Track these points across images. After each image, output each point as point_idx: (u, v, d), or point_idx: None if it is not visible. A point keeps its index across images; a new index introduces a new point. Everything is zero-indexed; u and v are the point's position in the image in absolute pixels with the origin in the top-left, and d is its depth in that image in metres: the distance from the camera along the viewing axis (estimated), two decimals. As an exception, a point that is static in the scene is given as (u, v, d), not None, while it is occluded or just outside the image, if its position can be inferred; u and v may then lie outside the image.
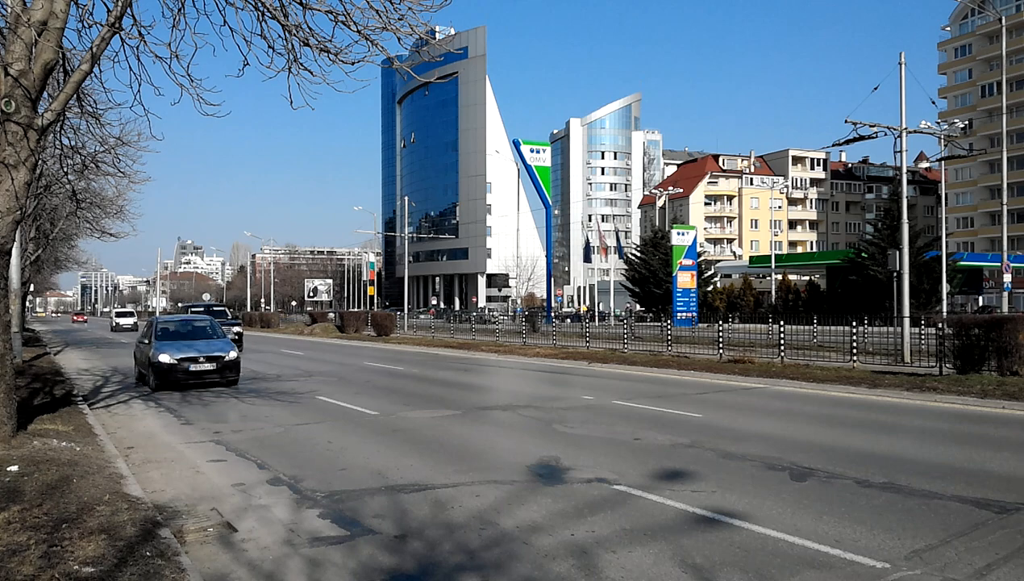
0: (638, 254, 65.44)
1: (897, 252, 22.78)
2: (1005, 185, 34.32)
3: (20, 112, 8.25)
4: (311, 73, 9.40)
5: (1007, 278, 33.25)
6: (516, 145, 71.03)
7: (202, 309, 34.85)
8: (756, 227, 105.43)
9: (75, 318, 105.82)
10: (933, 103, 41.61)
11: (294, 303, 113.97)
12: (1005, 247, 33.12)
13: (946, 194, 70.87)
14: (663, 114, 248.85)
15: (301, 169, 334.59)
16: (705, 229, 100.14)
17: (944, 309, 35.94)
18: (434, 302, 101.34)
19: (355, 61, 9.19)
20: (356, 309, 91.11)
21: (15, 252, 16.72)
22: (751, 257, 78.82)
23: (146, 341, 17.98)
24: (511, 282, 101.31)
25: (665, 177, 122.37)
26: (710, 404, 13.91)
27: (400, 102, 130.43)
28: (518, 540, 5.93)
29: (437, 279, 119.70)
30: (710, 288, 64.93)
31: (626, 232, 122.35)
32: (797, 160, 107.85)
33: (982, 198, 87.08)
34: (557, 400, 14.64)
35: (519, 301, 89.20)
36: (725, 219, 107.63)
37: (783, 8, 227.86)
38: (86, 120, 13.46)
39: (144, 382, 17.60)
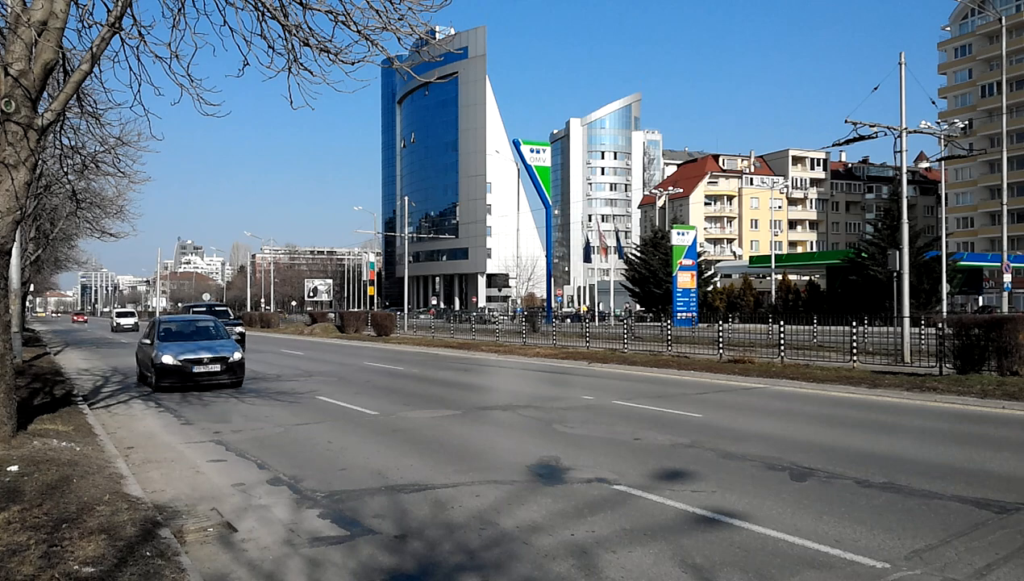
0: (638, 254, 65.45)
1: (897, 252, 22.78)
2: (1005, 185, 34.33)
3: (20, 112, 8.25)
4: (311, 73, 9.40)
5: (1007, 278, 33.25)
6: (516, 145, 71.06)
7: (204, 309, 34.60)
8: (756, 227, 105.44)
9: (75, 318, 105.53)
10: (933, 103, 41.65)
11: (294, 303, 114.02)
12: (1005, 247, 33.12)
13: (946, 194, 70.87)
14: (663, 114, 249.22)
15: (301, 169, 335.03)
16: (705, 229, 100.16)
17: (944, 309, 35.95)
18: (434, 302, 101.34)
19: (355, 61, 9.19)
20: (356, 309, 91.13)
21: (15, 252, 16.72)
22: (751, 257, 78.83)
23: (148, 341, 17.66)
24: (511, 282, 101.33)
25: (665, 177, 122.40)
26: (710, 404, 13.91)
27: (400, 102, 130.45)
28: (518, 540, 5.93)
29: (437, 279, 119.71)
30: (710, 288, 64.94)
31: (626, 232, 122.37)
32: (797, 160, 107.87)
33: (982, 198, 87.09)
34: (557, 400, 14.64)
35: (519, 301, 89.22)
36: (725, 219, 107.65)
37: (783, 8, 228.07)
38: (86, 120, 13.47)
39: (146, 383, 17.34)
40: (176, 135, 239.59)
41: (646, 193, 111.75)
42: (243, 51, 9.12)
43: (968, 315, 30.77)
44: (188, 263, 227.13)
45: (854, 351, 19.16)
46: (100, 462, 8.37)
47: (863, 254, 53.66)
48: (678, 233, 48.85)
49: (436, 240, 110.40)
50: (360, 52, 9.16)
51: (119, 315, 65.22)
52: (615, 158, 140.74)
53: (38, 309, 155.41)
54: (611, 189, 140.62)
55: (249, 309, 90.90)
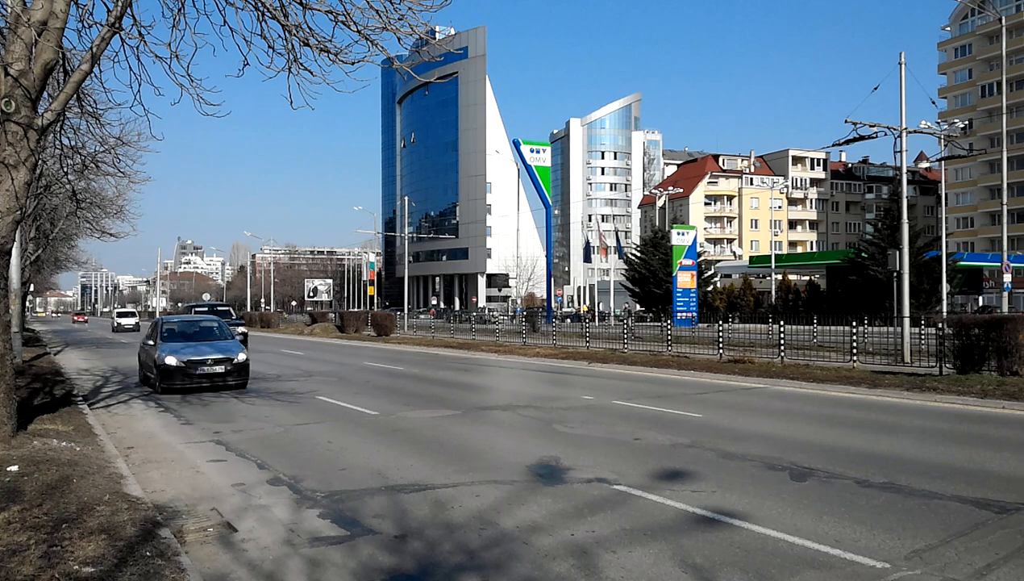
0: (638, 254, 65.46)
1: (897, 252, 22.78)
2: (1005, 185, 34.33)
3: (20, 112, 8.25)
4: (311, 73, 9.40)
5: (1007, 278, 33.25)
6: (516, 145, 71.11)
7: (206, 309, 34.42)
8: (756, 227, 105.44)
9: (75, 318, 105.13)
10: (933, 103, 41.67)
11: (294, 303, 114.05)
12: (1005, 247, 33.12)
13: (946, 194, 70.87)
14: (663, 114, 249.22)
15: (301, 169, 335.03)
16: (705, 229, 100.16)
17: (944, 309, 35.95)
18: (434, 302, 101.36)
19: (355, 61, 9.19)
20: (356, 309, 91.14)
21: (15, 252, 16.71)
22: (751, 257, 78.83)
23: (151, 342, 17.35)
24: (511, 282, 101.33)
25: (665, 177, 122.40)
26: (710, 404, 13.91)
27: (400, 102, 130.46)
28: (518, 540, 5.93)
29: (437, 279, 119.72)
30: (710, 288, 64.95)
31: (626, 232, 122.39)
32: (797, 160, 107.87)
33: (982, 198, 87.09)
34: (557, 400, 14.64)
35: (519, 301, 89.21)
36: (725, 219, 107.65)
37: (783, 8, 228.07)
38: (86, 120, 13.46)
39: (149, 384, 17.04)
40: (176, 135, 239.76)
41: (646, 193, 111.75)
42: (243, 51, 9.13)
43: (968, 315, 30.77)
44: (188, 263, 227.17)
45: (854, 351, 19.16)
46: (100, 462, 8.37)
47: (863, 254, 53.67)
48: (678, 233, 48.86)
49: (436, 240, 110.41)
50: (360, 52, 9.17)
51: (120, 315, 64.70)
52: (615, 158, 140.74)
53: (38, 309, 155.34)
54: (611, 189, 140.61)
55: (249, 309, 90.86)
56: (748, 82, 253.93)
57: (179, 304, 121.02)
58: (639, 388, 16.60)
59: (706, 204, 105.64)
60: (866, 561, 5.35)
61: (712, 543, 5.79)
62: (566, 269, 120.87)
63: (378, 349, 33.02)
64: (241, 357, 16.64)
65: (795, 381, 16.88)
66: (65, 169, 17.41)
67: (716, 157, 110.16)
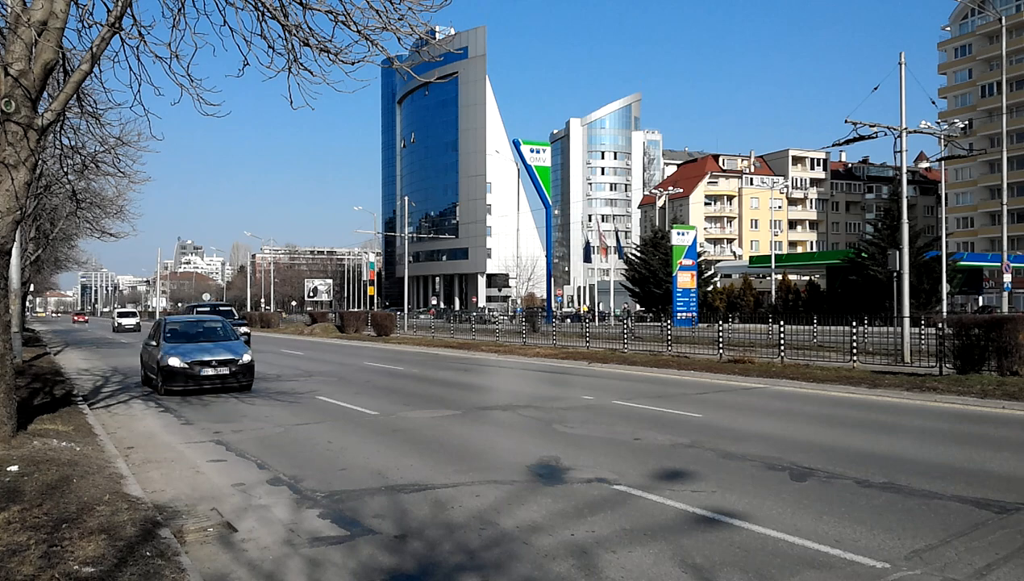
0: (638, 254, 65.47)
1: (897, 252, 22.78)
2: (1005, 185, 34.33)
3: (20, 112, 8.25)
4: (311, 73, 9.40)
5: (1007, 278, 33.25)
6: (516, 145, 71.07)
7: (207, 309, 34.18)
8: (756, 227, 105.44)
9: (76, 318, 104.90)
10: (933, 103, 41.69)
11: (294, 303, 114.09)
12: (1005, 247, 33.13)
13: (946, 194, 70.87)
14: (663, 114, 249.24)
15: (301, 169, 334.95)
16: (705, 229, 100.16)
17: (944, 309, 35.95)
18: (434, 302, 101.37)
19: (355, 61, 9.19)
20: (356, 309, 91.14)
21: (15, 252, 16.71)
22: (751, 257, 78.83)
23: (154, 343, 17.03)
24: (511, 282, 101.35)
25: (665, 177, 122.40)
26: (710, 404, 13.91)
27: (400, 102, 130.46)
28: (518, 540, 5.93)
29: (437, 279, 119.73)
30: (710, 288, 64.95)
31: (626, 232, 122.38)
32: (797, 160, 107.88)
33: (982, 198, 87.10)
34: (557, 400, 14.64)
35: (519, 301, 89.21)
36: (725, 219, 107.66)
37: (783, 8, 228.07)
38: (86, 120, 13.47)
39: (151, 386, 16.77)
40: (176, 135, 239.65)
41: (646, 193, 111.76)
42: (243, 51, 9.13)
43: (968, 315, 30.78)
44: (188, 263, 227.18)
45: (854, 351, 19.16)
46: (100, 462, 8.37)
47: (863, 254, 53.67)
48: (678, 233, 48.87)
49: (436, 240, 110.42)
50: (360, 52, 9.17)
51: (121, 315, 64.20)
52: (615, 158, 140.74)
53: (38, 309, 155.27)
54: (611, 189, 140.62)
55: (249, 309, 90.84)
56: (748, 82, 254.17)
57: (179, 304, 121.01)
58: (639, 388, 16.60)
59: (706, 204, 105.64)
60: (866, 561, 5.35)
61: (712, 543, 5.79)
62: (566, 269, 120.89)
63: (378, 349, 33.02)
64: (246, 358, 16.27)
65: (795, 381, 16.88)
66: (65, 169, 17.41)
67: (716, 157, 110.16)
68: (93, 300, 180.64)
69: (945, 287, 36.75)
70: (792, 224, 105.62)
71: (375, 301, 67.33)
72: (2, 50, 8.70)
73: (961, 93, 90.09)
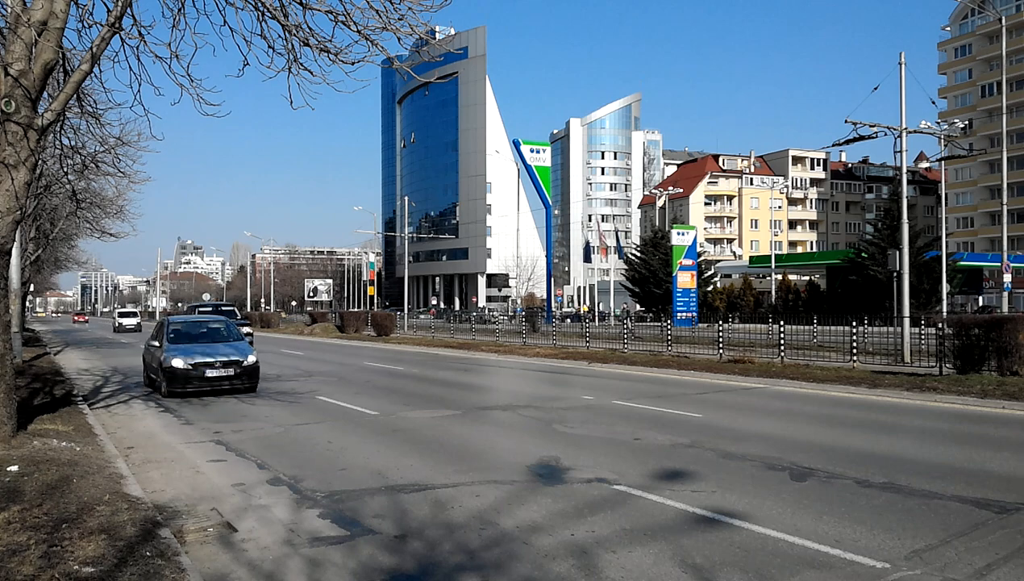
0: (638, 254, 65.46)
1: (897, 252, 22.78)
2: (1005, 185, 34.32)
3: (20, 112, 8.25)
4: (311, 73, 9.40)
5: (1007, 278, 33.25)
6: (516, 145, 71.05)
7: (209, 309, 33.91)
8: (756, 227, 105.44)
9: (76, 318, 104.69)
10: (933, 103, 41.68)
11: (294, 303, 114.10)
12: (1005, 247, 33.12)
13: (946, 194, 70.87)
14: (663, 114, 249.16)
15: (301, 169, 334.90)
16: (705, 229, 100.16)
17: (944, 309, 35.95)
18: (434, 302, 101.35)
19: (355, 61, 9.19)
20: (356, 309, 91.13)
21: (15, 252, 16.71)
22: (751, 257, 78.83)
23: (156, 343, 16.65)
24: (511, 282, 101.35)
25: (665, 177, 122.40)
26: (710, 404, 13.91)
27: (400, 102, 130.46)
28: (518, 540, 5.93)
29: (437, 279, 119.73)
30: (710, 288, 64.95)
31: (626, 232, 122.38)
32: (797, 160, 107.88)
33: (982, 198, 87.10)
34: (557, 400, 14.64)
35: (519, 301, 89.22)
36: (725, 219, 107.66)
37: (783, 8, 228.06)
38: (86, 120, 13.47)
39: (154, 387, 16.51)
40: (176, 135, 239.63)
41: (646, 193, 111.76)
42: (243, 51, 9.13)
43: (968, 315, 30.78)
44: (188, 263, 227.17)
45: (854, 351, 19.16)
46: (100, 462, 8.37)
47: (863, 254, 53.67)
48: (678, 233, 48.87)
49: (436, 240, 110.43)
50: (360, 52, 9.17)
51: (121, 315, 63.58)
52: (615, 158, 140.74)
53: (38, 309, 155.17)
54: (611, 189, 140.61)
55: (249, 309, 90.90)
56: (748, 82, 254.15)
57: (179, 304, 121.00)
58: (639, 388, 16.60)
59: (706, 204, 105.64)
60: (866, 561, 5.35)
61: (712, 543, 5.79)
62: (566, 269, 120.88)
63: (378, 349, 33.02)
64: (251, 359, 15.99)
65: (795, 381, 16.88)
66: (65, 169, 17.41)
67: (716, 157, 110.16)
68: (93, 300, 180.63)
69: (945, 287, 36.75)
70: (792, 224, 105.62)
71: (375, 301, 67.33)
72: (2, 50, 8.70)
73: (961, 93, 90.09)
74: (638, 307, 65.23)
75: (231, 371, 15.56)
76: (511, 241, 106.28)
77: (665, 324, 27.64)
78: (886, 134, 23.44)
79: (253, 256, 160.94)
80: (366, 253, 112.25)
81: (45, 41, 8.29)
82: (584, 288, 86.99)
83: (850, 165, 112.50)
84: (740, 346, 23.98)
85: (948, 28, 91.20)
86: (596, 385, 17.61)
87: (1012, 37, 78.65)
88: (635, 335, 28.56)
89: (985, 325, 15.97)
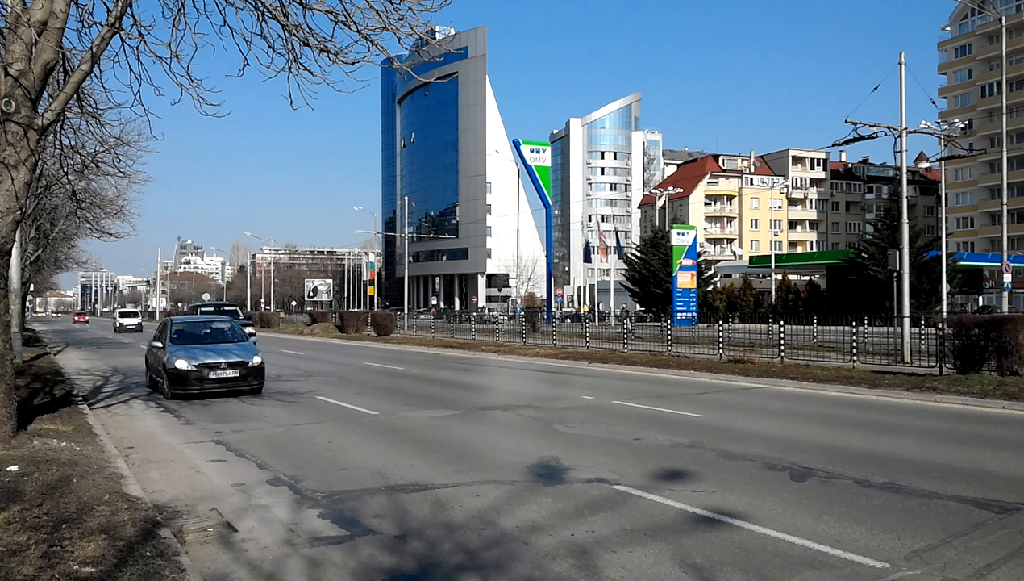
0: (638, 254, 65.45)
1: (897, 252, 22.78)
2: (1005, 185, 34.32)
3: (20, 112, 8.25)
4: (311, 73, 9.40)
5: (1007, 278, 33.24)
6: (516, 145, 71.02)
7: (212, 309, 33.73)
8: (756, 227, 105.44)
9: (76, 318, 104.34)
10: (933, 103, 41.66)
11: (294, 303, 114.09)
12: (1005, 247, 33.12)
13: (946, 194, 70.88)
14: (663, 114, 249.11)
15: (301, 169, 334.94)
16: (705, 229, 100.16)
17: (944, 309, 35.94)
18: (434, 302, 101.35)
19: (355, 61, 9.19)
20: (356, 309, 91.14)
21: (15, 252, 16.71)
22: (751, 257, 78.82)
23: (159, 344, 16.28)
24: (511, 282, 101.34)
25: (665, 177, 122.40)
26: (710, 404, 13.91)
27: (400, 102, 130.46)
28: (518, 540, 5.93)
29: (437, 279, 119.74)
30: (710, 288, 64.94)
31: (626, 232, 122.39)
32: (797, 160, 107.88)
33: (982, 198, 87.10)
34: (557, 400, 14.64)
35: (519, 301, 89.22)
36: (725, 219, 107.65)
37: (783, 8, 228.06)
38: (86, 120, 13.47)
39: (157, 389, 16.22)
40: (176, 135, 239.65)
41: (646, 193, 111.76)
42: (243, 51, 9.13)
43: (968, 315, 30.78)
44: (188, 263, 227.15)
45: (854, 351, 19.16)
46: (100, 462, 8.37)
47: (863, 254, 53.66)
48: (678, 233, 48.86)
49: (436, 240, 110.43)
50: (360, 52, 9.17)
51: (122, 315, 62.89)
52: (615, 158, 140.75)
53: (38, 309, 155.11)
54: (611, 189, 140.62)
55: (249, 309, 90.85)
56: (748, 82, 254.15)
57: (179, 304, 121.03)
58: (639, 388, 16.61)
59: (706, 204, 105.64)
60: (866, 561, 5.35)
61: (712, 543, 5.79)
62: (566, 269, 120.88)
63: (378, 349, 33.01)
64: (256, 360, 15.67)
65: (795, 381, 16.88)
66: (65, 169, 17.40)
67: (716, 157, 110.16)
68: (93, 300, 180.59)
69: (945, 287, 36.74)
70: (792, 224, 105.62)
71: (375, 301, 67.31)
72: (2, 50, 8.70)
73: (961, 93, 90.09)
74: (638, 307, 65.22)
75: (236, 372, 15.25)
76: (511, 241, 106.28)
77: (665, 324, 27.64)
78: (886, 134, 23.45)
79: (253, 256, 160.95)
80: (366, 253, 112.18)
81: (45, 41, 8.29)
82: (584, 288, 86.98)
83: (850, 165, 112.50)
84: (740, 346, 23.98)
85: (948, 28, 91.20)
86: (596, 385, 17.61)
87: (1012, 37, 78.65)
88: (635, 335, 28.56)
89: (985, 325, 15.97)
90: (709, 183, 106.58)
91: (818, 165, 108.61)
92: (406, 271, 64.96)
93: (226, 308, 34.78)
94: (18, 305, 21.44)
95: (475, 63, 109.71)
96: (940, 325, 18.16)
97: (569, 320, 58.78)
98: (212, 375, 15.00)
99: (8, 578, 4.74)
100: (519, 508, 6.82)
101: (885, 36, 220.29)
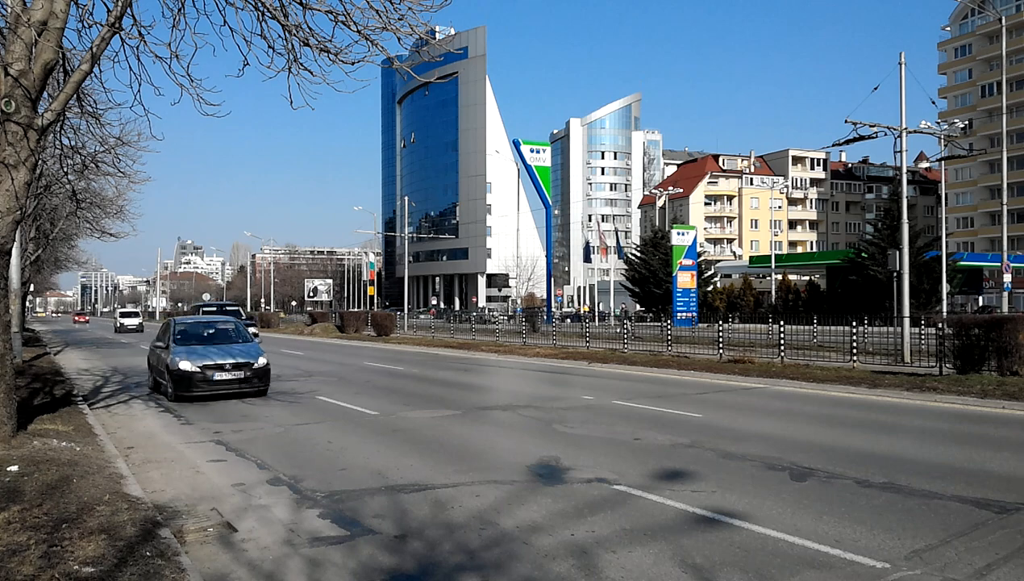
0: (638, 254, 65.46)
1: (897, 252, 22.78)
2: (1005, 185, 34.32)
3: (20, 112, 8.25)
4: (311, 73, 9.40)
5: (1007, 278, 33.24)
6: (516, 145, 71.02)
7: (214, 309, 33.55)
8: (756, 227, 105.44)
9: (77, 318, 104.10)
10: (933, 103, 41.67)
11: (294, 303, 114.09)
12: (1005, 247, 33.12)
13: (946, 194, 70.87)
14: (663, 114, 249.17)
15: (301, 169, 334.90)
16: (705, 229, 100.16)
17: (944, 309, 35.94)
18: (434, 302, 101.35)
19: (355, 61, 9.19)
20: (356, 309, 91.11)
21: (15, 252, 16.70)
22: (751, 257, 78.82)
23: (162, 345, 15.92)
24: (511, 282, 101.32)
25: (665, 177, 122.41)
26: (710, 404, 13.91)
27: (400, 102, 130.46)
28: (518, 540, 5.93)
29: (437, 279, 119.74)
30: (710, 288, 64.94)
31: (626, 232, 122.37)
32: (797, 160, 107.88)
33: (982, 198, 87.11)
34: (557, 400, 14.64)
35: (519, 301, 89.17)
36: (725, 219, 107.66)
37: (783, 8, 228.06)
38: (86, 120, 13.47)
39: (161, 391, 15.87)
40: (176, 135, 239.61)
41: (646, 193, 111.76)
42: (243, 51, 9.12)
43: (968, 315, 30.77)
44: (188, 263, 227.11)
45: (854, 351, 19.16)
46: (100, 462, 8.37)
47: (863, 254, 53.66)
48: (678, 233, 48.87)
49: (436, 240, 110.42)
50: (360, 52, 9.17)
51: (123, 315, 62.29)
52: (615, 158, 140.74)
53: (38, 309, 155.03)
54: (611, 189, 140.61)
55: (249, 309, 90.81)
56: (748, 82, 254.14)
57: (180, 304, 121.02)
58: (639, 388, 16.60)
59: (706, 204, 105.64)
60: (866, 561, 5.35)
61: (712, 543, 5.79)
62: (566, 269, 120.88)
63: (378, 349, 33.01)
64: (262, 361, 15.34)
65: (795, 381, 16.88)
66: (65, 169, 17.40)
67: (716, 157, 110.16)
68: (93, 300, 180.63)
69: (945, 287, 36.74)
70: (792, 224, 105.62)
71: (375, 301, 67.29)
72: (2, 50, 8.70)
73: (961, 93, 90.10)
74: (638, 307, 65.23)
75: (242, 374, 14.95)
76: (511, 241, 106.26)
77: (665, 324, 27.64)
78: (886, 134, 23.45)
79: (253, 256, 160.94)
80: (366, 253, 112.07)
81: (45, 41, 8.29)
82: (584, 288, 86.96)
83: (850, 165, 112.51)
84: (740, 346, 23.98)
85: (948, 28, 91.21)
86: (596, 385, 17.61)
87: (1012, 37, 78.65)
88: (635, 335, 28.56)
89: (985, 325, 15.97)
90: (709, 183, 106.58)
91: (818, 165, 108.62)
92: (406, 271, 64.97)
93: (228, 308, 34.52)
94: (18, 305, 21.44)
95: (475, 63, 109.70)
96: (940, 325, 18.16)
97: (569, 320, 58.78)
98: (217, 377, 14.71)
99: (8, 578, 4.74)
100: (519, 508, 6.82)
101: (885, 36, 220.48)
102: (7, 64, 8.16)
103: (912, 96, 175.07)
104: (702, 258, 61.69)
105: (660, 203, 70.23)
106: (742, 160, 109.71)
